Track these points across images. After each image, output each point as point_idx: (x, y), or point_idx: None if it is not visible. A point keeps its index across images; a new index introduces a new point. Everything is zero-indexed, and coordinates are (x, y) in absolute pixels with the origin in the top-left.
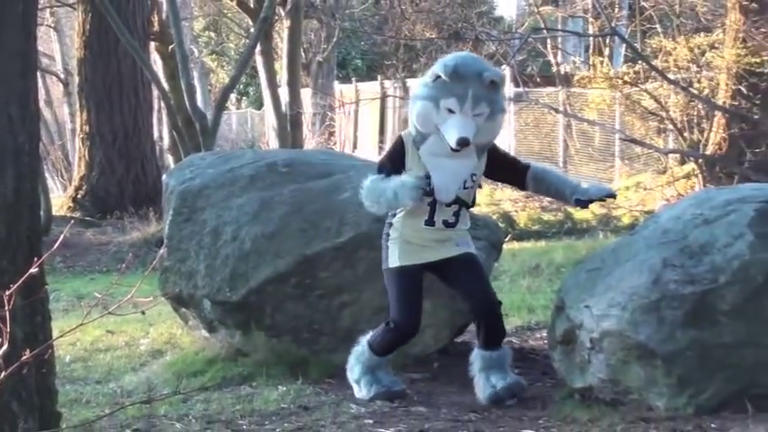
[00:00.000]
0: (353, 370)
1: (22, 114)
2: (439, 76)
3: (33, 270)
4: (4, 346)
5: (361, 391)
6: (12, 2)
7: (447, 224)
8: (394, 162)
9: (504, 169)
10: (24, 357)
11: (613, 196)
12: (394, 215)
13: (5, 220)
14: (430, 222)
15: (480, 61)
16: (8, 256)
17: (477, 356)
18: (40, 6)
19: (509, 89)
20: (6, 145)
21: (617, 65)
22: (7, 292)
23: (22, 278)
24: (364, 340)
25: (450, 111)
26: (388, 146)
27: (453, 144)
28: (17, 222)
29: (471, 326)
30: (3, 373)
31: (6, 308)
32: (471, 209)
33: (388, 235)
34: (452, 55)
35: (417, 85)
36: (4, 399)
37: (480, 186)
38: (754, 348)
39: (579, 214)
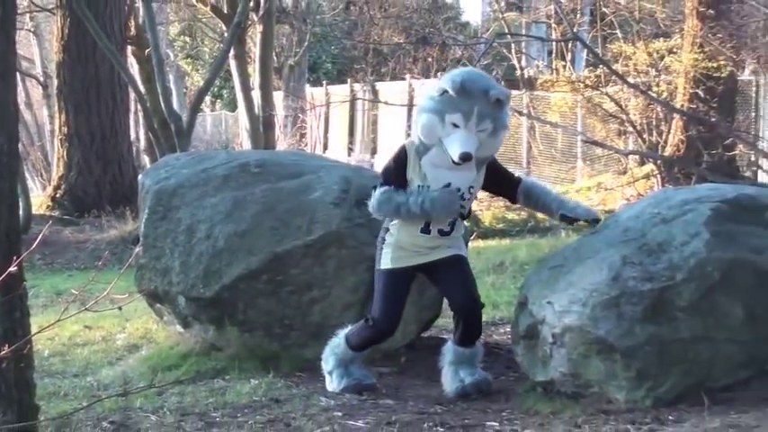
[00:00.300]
0: (328, 361)
1: (1, 116)
2: (446, 91)
3: (12, 268)
4: None
5: (332, 383)
6: None
7: (442, 233)
8: (399, 172)
9: (499, 183)
10: (3, 352)
11: (598, 221)
12: (391, 221)
13: None
14: (426, 230)
15: (487, 78)
16: None
17: (449, 350)
18: (20, 11)
19: None
20: None
21: (579, 69)
22: None
23: (2, 276)
24: (342, 333)
25: (455, 125)
26: (356, 146)
27: (456, 158)
28: None
29: (438, 321)
30: None
31: None
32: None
33: (383, 239)
34: (460, 70)
35: (423, 97)
36: None
37: (476, 197)
38: (709, 343)
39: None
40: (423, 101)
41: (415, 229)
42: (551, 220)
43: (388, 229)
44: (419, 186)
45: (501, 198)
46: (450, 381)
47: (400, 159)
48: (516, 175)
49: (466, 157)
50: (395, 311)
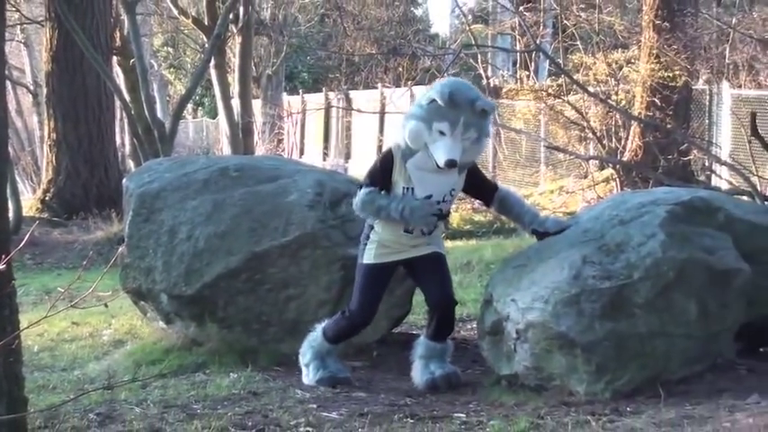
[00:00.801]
0: (305, 354)
1: None
2: (434, 101)
3: (1, 267)
4: None
5: (308, 375)
6: None
7: (423, 232)
8: (384, 174)
9: (478, 188)
10: None
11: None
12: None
13: None
14: (408, 230)
15: (474, 90)
16: None
17: (421, 344)
18: (11, 23)
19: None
20: None
21: (542, 78)
22: None
23: None
24: (320, 327)
25: (442, 133)
26: (331, 151)
27: (441, 164)
28: None
29: (408, 318)
30: None
31: None
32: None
33: (368, 236)
34: (448, 81)
35: (413, 104)
36: None
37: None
38: (665, 338)
39: None
40: (411, 108)
41: (398, 229)
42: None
43: (372, 227)
44: (404, 188)
45: (473, 201)
46: (420, 373)
47: (386, 162)
48: (494, 182)
49: (451, 164)
50: (371, 305)
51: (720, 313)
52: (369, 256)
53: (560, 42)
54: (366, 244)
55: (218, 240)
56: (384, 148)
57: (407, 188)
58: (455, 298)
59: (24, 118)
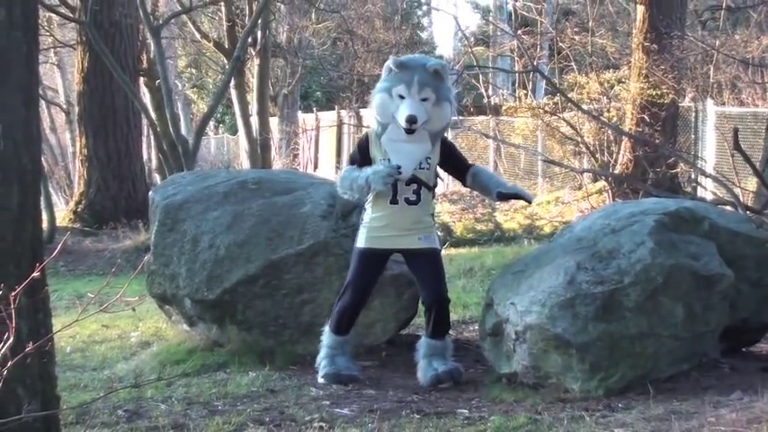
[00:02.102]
0: (320, 352)
1: (26, 139)
2: (391, 69)
3: (36, 274)
4: (11, 340)
5: (318, 372)
6: (18, 44)
7: (409, 201)
8: (362, 154)
9: (453, 164)
10: (28, 349)
11: (529, 202)
12: (367, 200)
13: (11, 231)
14: (394, 201)
15: (427, 58)
16: (14, 261)
17: (423, 344)
18: (45, 47)
19: None
20: (11, 166)
21: (539, 97)
22: (13, 293)
23: (26, 280)
24: (327, 324)
25: (401, 96)
26: (343, 164)
27: (403, 122)
28: (21, 232)
29: (414, 320)
30: (10, 363)
31: (13, 306)
32: (432, 191)
33: (362, 219)
34: None
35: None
36: (10, 385)
37: (438, 176)
38: (654, 339)
39: (507, 224)
40: (376, 87)
41: (385, 202)
42: (515, 230)
43: (365, 209)
44: (381, 161)
45: (475, 210)
46: (424, 371)
47: (363, 142)
48: (470, 162)
49: (411, 120)
50: (363, 289)
51: (705, 316)
52: (361, 239)
53: (556, 63)
54: (360, 228)
55: (237, 249)
56: None
57: (384, 160)
58: (448, 296)
59: (58, 135)
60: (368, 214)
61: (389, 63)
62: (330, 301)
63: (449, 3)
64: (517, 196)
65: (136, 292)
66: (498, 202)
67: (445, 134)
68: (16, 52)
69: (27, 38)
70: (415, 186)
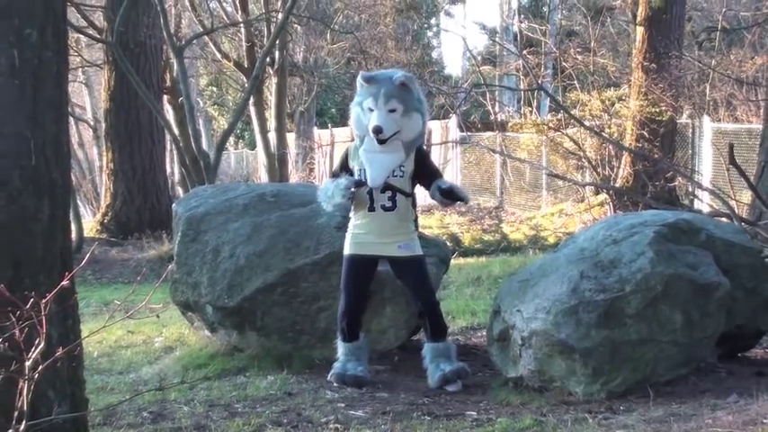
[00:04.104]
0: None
1: (56, 154)
2: (362, 84)
3: (65, 282)
4: (42, 345)
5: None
6: (49, 64)
7: (385, 208)
8: (342, 167)
9: (424, 176)
10: (58, 353)
11: (465, 201)
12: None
13: (42, 241)
14: (371, 208)
15: (395, 71)
16: (44, 270)
17: (427, 349)
18: (73, 66)
19: (455, 133)
20: (43, 180)
21: (543, 114)
22: (44, 301)
23: (57, 289)
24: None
25: (371, 109)
26: None
27: (371, 133)
28: (52, 243)
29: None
30: (41, 367)
31: (44, 313)
32: (411, 197)
33: (347, 228)
34: None
35: None
36: (41, 387)
37: (411, 179)
38: (653, 345)
39: (513, 235)
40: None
41: (364, 209)
42: (521, 241)
43: (350, 217)
44: (359, 170)
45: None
46: (432, 373)
47: (343, 156)
48: (438, 177)
49: (377, 130)
50: (352, 294)
51: (703, 322)
52: (347, 246)
53: (559, 82)
54: (346, 235)
55: (256, 258)
56: None
57: (360, 170)
58: (437, 299)
59: (85, 150)
60: (352, 222)
61: (359, 78)
62: None
63: (458, 24)
64: (453, 194)
65: (160, 299)
66: (445, 203)
67: (423, 144)
68: (48, 71)
69: (57, 58)
70: (389, 194)
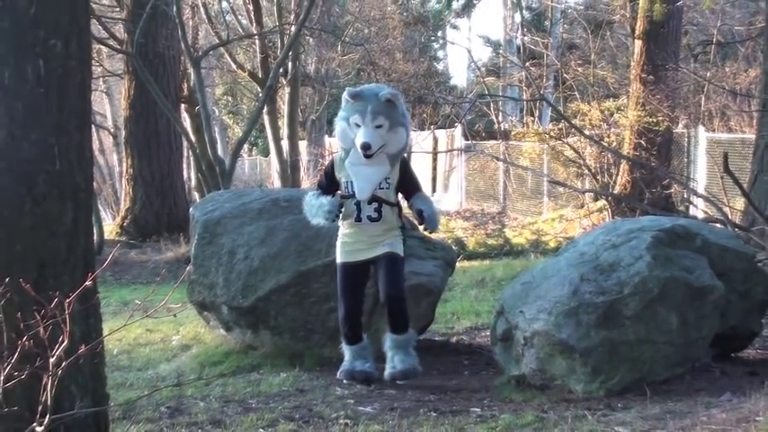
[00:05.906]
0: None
1: (79, 160)
2: (348, 100)
3: (88, 283)
4: (65, 342)
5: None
6: (73, 73)
7: (371, 219)
8: (328, 179)
9: (407, 188)
10: (80, 351)
11: (431, 231)
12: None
13: (66, 243)
14: (358, 218)
15: (381, 87)
16: (68, 271)
17: (387, 338)
18: (95, 76)
19: (461, 142)
20: (66, 184)
21: (545, 123)
22: (67, 300)
23: (79, 289)
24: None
25: (357, 125)
26: None
27: (359, 148)
28: (75, 245)
29: (431, 327)
30: (64, 363)
31: (67, 312)
32: (396, 207)
33: (338, 236)
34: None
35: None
36: (64, 383)
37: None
38: (650, 345)
39: (515, 239)
40: (337, 116)
41: (351, 220)
42: (523, 245)
43: (339, 227)
44: (345, 183)
45: (486, 227)
46: (387, 365)
47: (329, 168)
48: (418, 189)
49: (365, 147)
50: (348, 300)
51: (698, 324)
52: (338, 255)
53: (561, 92)
54: (336, 245)
55: (270, 260)
56: None
57: (347, 182)
58: (402, 295)
59: (106, 156)
60: (340, 231)
61: (345, 95)
62: None
63: (463, 37)
64: (422, 218)
65: (177, 299)
66: (417, 220)
67: (405, 155)
68: (72, 80)
69: (81, 67)
70: (375, 205)
